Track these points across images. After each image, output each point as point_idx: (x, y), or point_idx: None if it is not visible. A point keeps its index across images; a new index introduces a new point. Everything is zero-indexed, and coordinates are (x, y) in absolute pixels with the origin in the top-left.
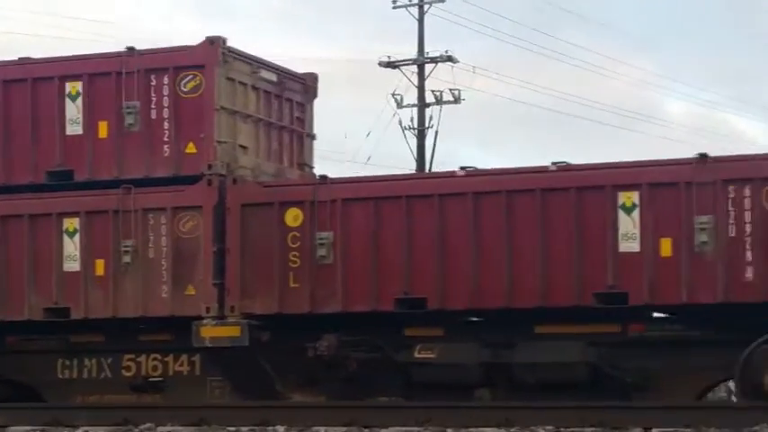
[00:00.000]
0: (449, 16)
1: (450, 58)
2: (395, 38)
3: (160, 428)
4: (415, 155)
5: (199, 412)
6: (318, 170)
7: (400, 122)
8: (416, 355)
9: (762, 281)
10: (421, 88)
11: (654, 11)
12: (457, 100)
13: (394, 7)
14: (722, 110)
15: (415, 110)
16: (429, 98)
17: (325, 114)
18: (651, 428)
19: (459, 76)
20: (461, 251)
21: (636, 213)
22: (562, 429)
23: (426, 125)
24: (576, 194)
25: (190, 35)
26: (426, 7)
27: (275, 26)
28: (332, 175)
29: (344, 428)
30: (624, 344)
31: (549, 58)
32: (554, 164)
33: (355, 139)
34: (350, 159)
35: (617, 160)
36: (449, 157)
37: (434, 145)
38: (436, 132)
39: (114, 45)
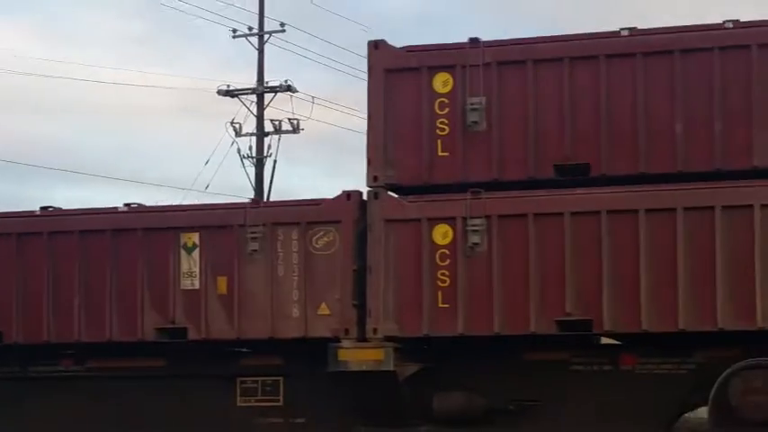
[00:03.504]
0: (289, 46)
1: (289, 88)
2: (236, 67)
3: None
4: (254, 183)
5: None
6: (153, 198)
7: (239, 151)
8: None
9: None
10: (260, 117)
11: None
12: (296, 129)
13: (234, 37)
14: None
15: (253, 139)
16: (268, 127)
17: (164, 143)
18: None
19: (299, 105)
20: None
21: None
22: None
23: (265, 154)
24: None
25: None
26: (266, 37)
27: (118, 54)
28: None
29: None
30: None
31: None
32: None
33: (195, 168)
34: (187, 188)
35: None
36: (289, 185)
37: (272, 174)
38: (275, 161)
39: None
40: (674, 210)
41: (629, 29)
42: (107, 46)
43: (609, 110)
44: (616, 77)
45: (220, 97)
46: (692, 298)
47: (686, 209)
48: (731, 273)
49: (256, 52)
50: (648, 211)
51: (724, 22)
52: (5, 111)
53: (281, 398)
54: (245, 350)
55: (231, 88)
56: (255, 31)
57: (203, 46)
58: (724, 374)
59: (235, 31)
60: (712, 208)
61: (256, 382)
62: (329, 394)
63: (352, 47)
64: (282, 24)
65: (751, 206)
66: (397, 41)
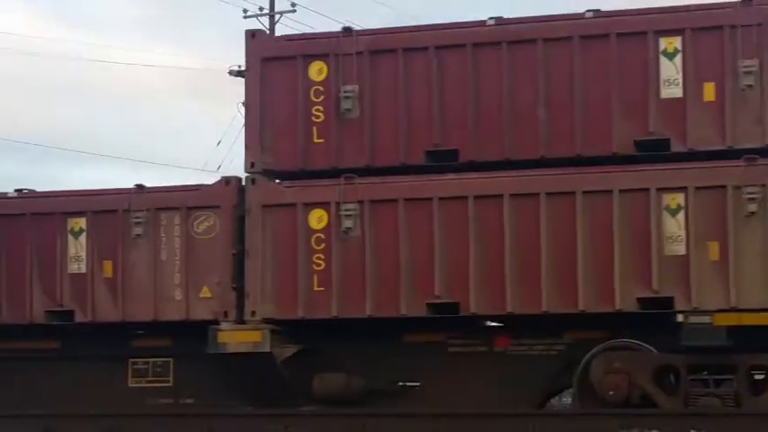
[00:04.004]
0: (300, 27)
1: None
2: None
3: None
4: None
5: None
6: (165, 179)
7: None
8: None
9: None
10: None
11: None
12: None
13: (245, 17)
14: None
15: None
16: None
17: (176, 123)
18: None
19: None
20: None
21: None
22: None
23: None
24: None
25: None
26: (277, 17)
27: (130, 35)
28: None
29: None
30: None
31: None
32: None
33: (207, 148)
34: (200, 168)
35: None
36: None
37: None
38: None
39: None
40: (537, 195)
41: (496, 18)
42: (119, 27)
43: (476, 97)
44: (483, 66)
45: (232, 78)
46: (554, 281)
47: (549, 194)
48: (592, 256)
49: (267, 32)
50: (513, 196)
51: (585, 11)
52: (18, 91)
53: (171, 378)
54: (140, 332)
55: (243, 69)
56: (266, 11)
57: (215, 27)
58: (587, 356)
59: (245, 11)
60: (573, 193)
61: (147, 363)
62: (216, 375)
63: (364, 27)
64: (293, 4)
65: (610, 191)
66: (410, 21)
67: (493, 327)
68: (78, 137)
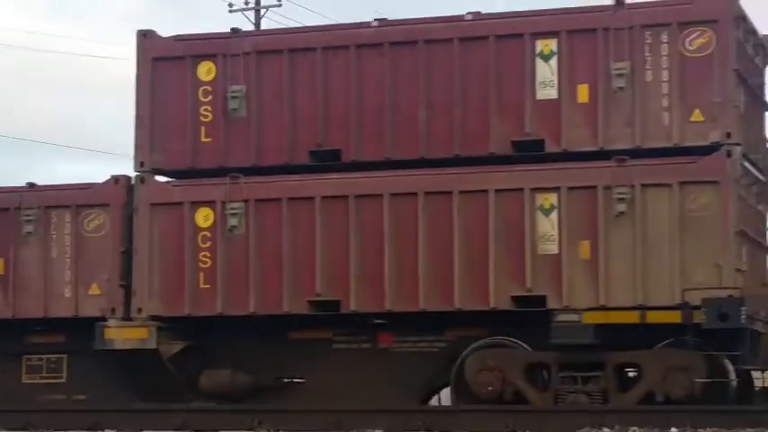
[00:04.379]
0: (285, 21)
1: None
2: None
3: None
4: None
5: None
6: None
7: None
8: None
9: None
10: None
11: None
12: None
13: (230, 11)
14: None
15: None
16: None
17: None
18: None
19: None
20: None
21: None
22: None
23: None
24: None
25: None
26: (263, 12)
27: (117, 30)
28: None
29: None
30: None
31: None
32: None
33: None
34: None
35: None
36: None
37: None
38: None
39: None
40: (415, 195)
41: (380, 20)
42: (108, 23)
43: (359, 98)
44: (365, 67)
45: None
46: (432, 279)
47: (427, 194)
48: (468, 255)
49: (253, 27)
50: (393, 195)
51: (466, 13)
52: (11, 86)
53: (64, 375)
54: (38, 328)
55: None
56: (252, 5)
57: (201, 21)
58: (464, 353)
59: (231, 5)
60: (450, 193)
61: (42, 359)
62: (108, 371)
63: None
64: None
65: (486, 191)
66: (401, 15)
67: (377, 324)
68: (69, 130)
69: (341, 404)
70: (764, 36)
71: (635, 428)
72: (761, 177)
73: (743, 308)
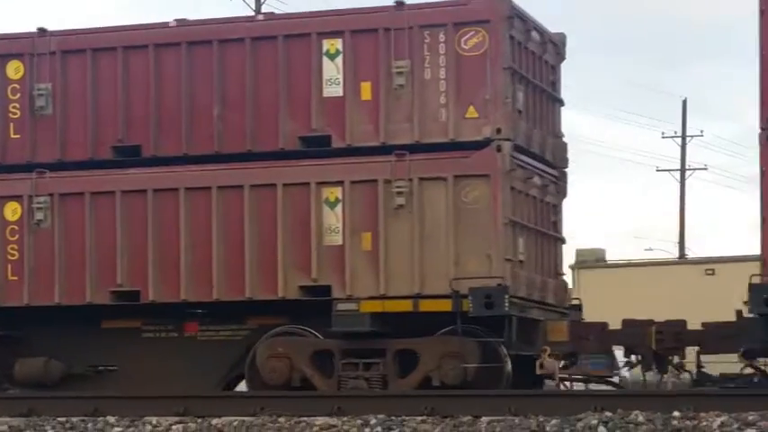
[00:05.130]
0: (285, 8)
1: None
2: None
3: None
4: None
5: None
6: None
7: None
8: None
9: None
10: None
11: None
12: None
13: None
14: None
15: None
16: None
17: None
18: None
19: None
20: None
21: None
22: (393, 417)
23: None
24: None
25: None
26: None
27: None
28: None
29: (177, 418)
30: None
31: None
32: None
33: None
34: None
35: None
36: None
37: None
38: None
39: None
40: (209, 189)
41: (179, 20)
42: (109, 17)
43: (158, 95)
44: (164, 65)
45: None
46: (225, 270)
47: (220, 188)
48: (258, 247)
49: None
50: (188, 189)
51: (258, 14)
52: None
53: None
54: None
55: None
56: None
57: (204, 8)
58: (260, 341)
59: None
60: (242, 187)
61: None
62: None
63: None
64: None
65: (275, 185)
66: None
67: (184, 313)
68: None
69: (153, 391)
70: (558, 34)
71: (636, 412)
72: (548, 170)
73: (507, 296)
